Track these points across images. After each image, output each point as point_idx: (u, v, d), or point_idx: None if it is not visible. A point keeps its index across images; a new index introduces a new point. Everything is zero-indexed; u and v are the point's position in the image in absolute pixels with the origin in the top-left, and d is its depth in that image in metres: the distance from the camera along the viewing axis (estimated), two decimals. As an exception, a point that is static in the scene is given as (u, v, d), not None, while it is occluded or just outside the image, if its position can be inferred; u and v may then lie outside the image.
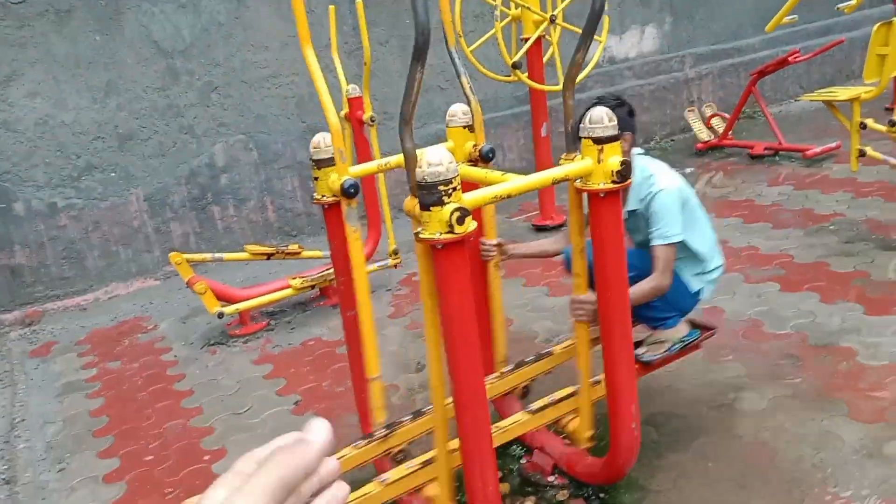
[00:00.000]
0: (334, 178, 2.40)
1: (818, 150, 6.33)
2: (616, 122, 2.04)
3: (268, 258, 4.78)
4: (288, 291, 4.61)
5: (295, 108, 6.02)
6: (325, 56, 6.06)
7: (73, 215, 5.35)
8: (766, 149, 6.70)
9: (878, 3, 9.48)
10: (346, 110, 4.59)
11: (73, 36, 5.21)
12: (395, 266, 4.85)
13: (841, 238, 4.59)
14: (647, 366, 2.81)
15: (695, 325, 2.97)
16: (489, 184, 2.10)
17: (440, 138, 6.82)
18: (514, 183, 1.96)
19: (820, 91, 4.71)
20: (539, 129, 5.44)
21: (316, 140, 2.42)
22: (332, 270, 4.69)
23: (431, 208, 1.80)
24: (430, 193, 1.79)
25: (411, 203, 1.99)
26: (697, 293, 2.88)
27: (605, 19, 5.16)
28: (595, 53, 5.38)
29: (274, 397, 3.71)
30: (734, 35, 8.50)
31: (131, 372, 4.25)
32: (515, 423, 2.51)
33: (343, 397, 3.55)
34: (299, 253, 4.83)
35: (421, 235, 1.83)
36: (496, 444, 2.28)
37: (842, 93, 4.52)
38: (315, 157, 2.43)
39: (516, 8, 5.21)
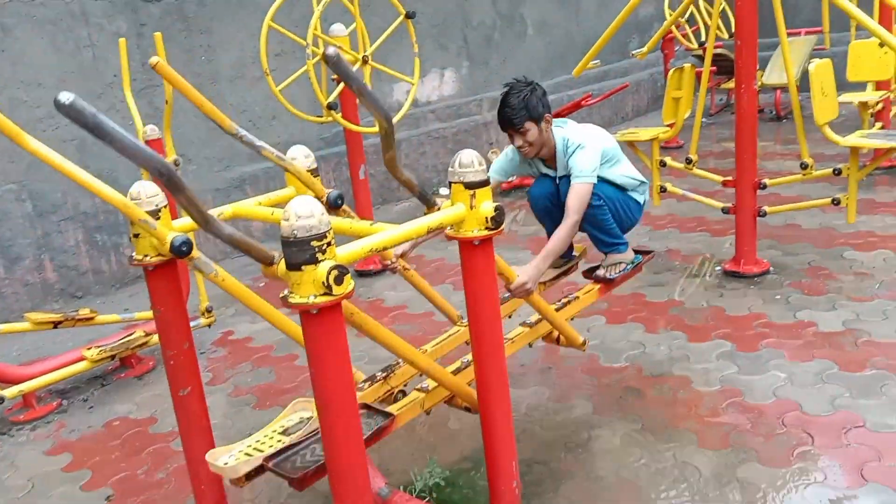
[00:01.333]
0: (161, 233, 2.03)
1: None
2: (485, 167, 1.91)
3: (55, 327, 4.10)
4: (82, 365, 3.97)
5: (76, 153, 5.33)
6: (109, 95, 5.48)
7: None
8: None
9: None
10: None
11: None
12: (209, 325, 4.39)
13: (649, 269, 4.83)
14: (610, 282, 3.36)
15: (637, 251, 3.54)
16: (355, 234, 1.87)
17: (244, 181, 6.41)
18: (388, 234, 1.75)
19: (622, 132, 4.99)
20: (357, 172, 5.26)
21: (134, 191, 2.05)
22: (134, 336, 4.15)
23: (303, 268, 1.53)
24: (300, 251, 1.53)
25: (269, 269, 1.70)
26: (644, 204, 3.47)
27: (416, 61, 5.12)
28: (407, 97, 5.32)
29: (79, 494, 3.12)
30: (525, 79, 8.92)
31: None
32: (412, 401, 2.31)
33: (165, 485, 3.07)
34: (93, 318, 4.20)
35: (291, 300, 1.56)
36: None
37: (643, 133, 4.81)
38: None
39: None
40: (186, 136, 5.88)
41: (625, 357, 3.71)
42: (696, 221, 5.69)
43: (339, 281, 1.53)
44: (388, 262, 2.91)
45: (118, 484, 3.16)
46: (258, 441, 2.13)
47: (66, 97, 1.40)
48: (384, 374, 2.64)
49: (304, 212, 1.52)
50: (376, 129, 4.84)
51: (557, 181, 3.31)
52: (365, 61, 4.83)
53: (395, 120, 5.06)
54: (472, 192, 1.86)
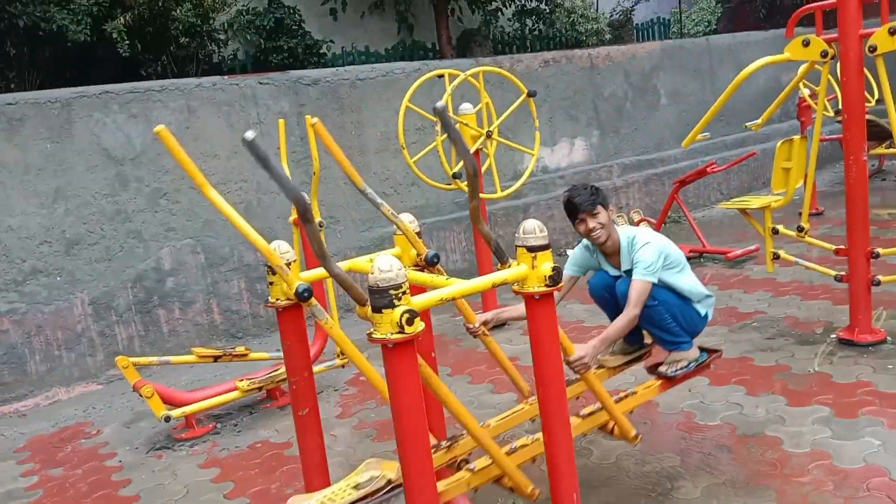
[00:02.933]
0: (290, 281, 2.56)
1: (738, 252, 6.78)
2: (546, 234, 2.28)
3: (214, 361, 4.83)
4: (235, 394, 4.63)
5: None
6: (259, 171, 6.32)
7: (15, 319, 5.31)
8: (691, 251, 7.13)
9: (786, 119, 10.35)
10: (294, 216, 4.79)
11: (24, 144, 5.34)
12: (343, 366, 4.95)
13: (763, 334, 4.90)
14: (671, 380, 3.39)
15: (702, 349, 3.56)
16: (434, 286, 2.29)
17: (384, 240, 7.05)
18: (458, 287, 2.16)
19: (735, 199, 5.14)
20: (480, 234, 5.72)
21: (273, 245, 2.59)
22: (279, 372, 4.77)
23: (383, 311, 1.97)
24: (381, 297, 1.96)
25: (364, 310, 2.16)
26: (705, 316, 3.50)
27: (537, 134, 5.56)
28: (528, 166, 5.76)
29: (223, 501, 3.70)
30: (656, 147, 9.14)
31: (74, 478, 4.17)
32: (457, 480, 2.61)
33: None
34: (246, 355, 4.89)
35: (373, 336, 1.99)
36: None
37: (754, 201, 4.95)
38: (269, 263, 2.59)
39: (455, 124, 5.58)
40: (337, 201, 6.63)
41: (720, 417, 3.84)
42: (821, 289, 5.64)
43: (410, 322, 1.95)
44: (471, 326, 3.11)
45: (255, 495, 3.71)
46: (333, 492, 2.45)
47: (250, 134, 1.94)
48: (448, 444, 2.78)
49: (385, 267, 1.96)
50: (497, 195, 5.32)
51: (617, 278, 3.42)
52: (489, 136, 5.34)
53: (514, 187, 5.53)
54: (533, 254, 2.24)
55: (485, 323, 3.19)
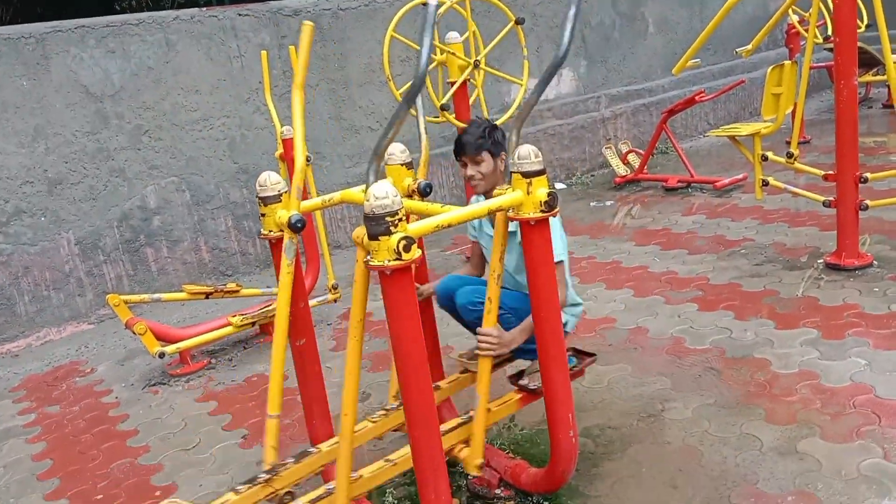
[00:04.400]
0: (281, 214, 2.53)
1: (727, 181, 6.79)
2: (541, 158, 2.25)
3: (206, 297, 4.82)
4: (228, 329, 4.65)
5: (227, 150, 6.10)
6: (255, 99, 6.21)
7: (1, 261, 5.26)
8: (679, 181, 7.14)
9: (774, 47, 10.24)
10: (280, 150, 4.72)
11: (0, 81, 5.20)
12: (335, 301, 4.96)
13: (751, 261, 4.95)
14: (534, 393, 2.83)
15: (576, 353, 3.05)
16: (429, 213, 2.27)
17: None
18: (454, 213, 2.14)
19: (724, 127, 5.10)
20: (468, 166, 5.67)
21: (262, 178, 2.55)
22: (271, 307, 4.77)
23: (380, 238, 1.95)
24: (378, 224, 1.95)
25: (359, 233, 2.15)
26: (565, 324, 2.82)
27: (525, 63, 5.47)
28: (517, 97, 5.69)
29: (221, 432, 3.75)
30: (644, 77, 9.03)
31: (72, 415, 4.20)
32: (403, 456, 2.57)
33: (290, 429, 3.63)
34: (238, 291, 4.89)
35: (371, 263, 1.99)
36: (381, 480, 2.54)
37: (744, 128, 4.92)
38: (261, 195, 2.56)
39: (442, 53, 5.47)
40: (321, 137, 6.53)
41: (710, 341, 3.90)
42: (808, 216, 5.68)
43: (407, 249, 1.94)
44: (423, 289, 2.92)
45: (252, 426, 3.76)
46: None
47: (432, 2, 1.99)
48: (267, 477, 2.53)
49: (381, 193, 1.94)
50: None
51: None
52: (477, 65, 5.24)
53: (503, 119, 5.46)
54: (529, 180, 2.22)
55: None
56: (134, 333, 4.38)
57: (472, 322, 2.88)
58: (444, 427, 2.61)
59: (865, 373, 3.35)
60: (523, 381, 2.91)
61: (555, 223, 2.77)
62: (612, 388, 3.57)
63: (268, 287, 5.17)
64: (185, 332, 4.60)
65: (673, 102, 8.52)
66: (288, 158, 4.74)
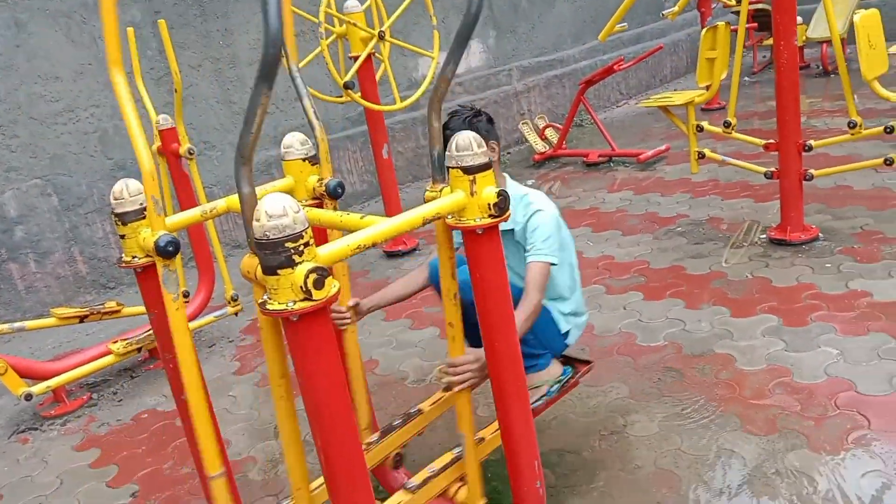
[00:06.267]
0: (146, 235, 1.91)
1: (650, 153, 6.47)
2: (485, 148, 1.73)
3: (81, 321, 4.08)
4: (109, 358, 3.95)
5: (98, 144, 5.29)
6: (129, 84, 5.40)
7: None
8: (600, 156, 6.78)
9: (688, 9, 10.02)
10: (157, 144, 4.03)
11: None
12: (236, 314, 4.32)
13: (690, 240, 4.61)
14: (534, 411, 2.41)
15: (567, 361, 2.77)
16: (344, 228, 1.72)
17: (270, 164, 6.27)
18: (378, 228, 1.59)
19: (655, 97, 4.73)
20: (380, 152, 5.10)
21: (117, 189, 1.92)
22: (160, 328, 4.10)
23: (279, 272, 1.39)
24: (274, 253, 1.38)
25: (250, 263, 1.57)
26: (566, 335, 2.70)
27: (435, 34, 4.93)
28: (427, 72, 5.14)
29: (105, 490, 3.08)
30: (555, 47, 8.63)
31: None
32: (397, 504, 2.13)
33: (190, 480, 3.01)
34: (119, 311, 4.17)
35: (269, 307, 1.42)
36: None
37: (677, 97, 4.55)
38: (118, 211, 1.92)
39: (341, 24, 4.85)
40: (209, 122, 5.80)
41: (663, 335, 3.51)
42: (740, 187, 5.41)
43: (319, 285, 1.39)
44: (339, 311, 2.31)
45: (144, 480, 3.11)
46: None
47: None
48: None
49: (276, 209, 1.37)
50: (397, 106, 4.70)
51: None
52: (381, 37, 4.66)
53: (415, 96, 4.91)
54: (471, 177, 1.69)
55: (355, 307, 2.42)
56: (-10, 374, 3.63)
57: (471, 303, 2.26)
58: (435, 465, 2.18)
59: (839, 364, 3.02)
60: None
61: (548, 221, 2.48)
62: (564, 402, 3.10)
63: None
64: (56, 366, 3.87)
65: (585, 73, 8.17)
66: (167, 152, 4.05)
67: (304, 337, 1.44)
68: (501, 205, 1.72)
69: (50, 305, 4.95)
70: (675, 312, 3.71)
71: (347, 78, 4.58)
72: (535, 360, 2.59)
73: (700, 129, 4.44)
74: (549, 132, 7.37)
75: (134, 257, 1.96)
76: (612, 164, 6.73)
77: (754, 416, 2.79)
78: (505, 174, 2.59)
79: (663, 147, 6.58)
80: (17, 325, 3.98)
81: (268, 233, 1.37)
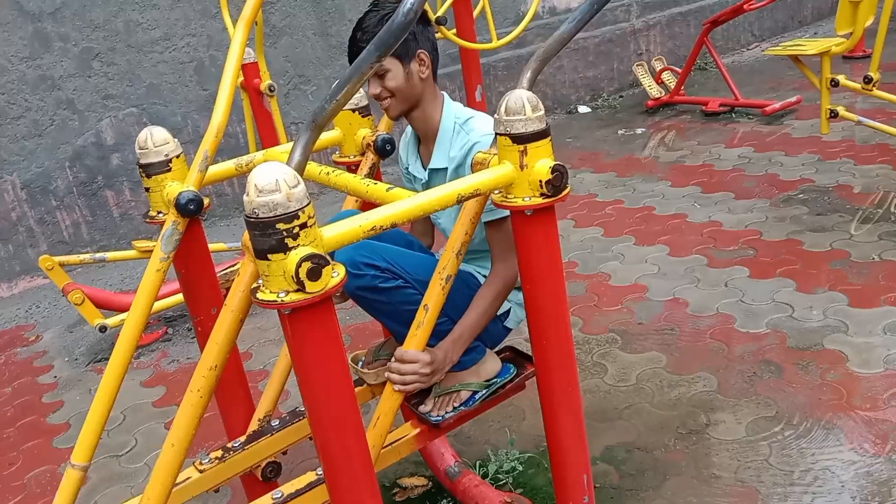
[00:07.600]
0: (171, 188, 1.75)
1: (778, 105, 5.82)
2: (542, 112, 1.42)
3: (160, 256, 4.08)
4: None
5: (194, 75, 5.24)
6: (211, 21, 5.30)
7: (-71, 212, 4.56)
8: (721, 105, 6.18)
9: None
10: (241, 78, 3.89)
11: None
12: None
13: (812, 209, 4.09)
14: (436, 428, 1.85)
15: (516, 356, 2.05)
16: (369, 199, 1.48)
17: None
18: (401, 206, 1.33)
19: (785, 44, 4.14)
20: (473, 93, 4.78)
21: (142, 137, 1.76)
22: (237, 267, 4.04)
23: (270, 256, 1.17)
24: (264, 235, 1.16)
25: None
26: (505, 315, 1.99)
27: (544, -36, 4.50)
28: (532, 4, 4.72)
29: (162, 433, 3.07)
30: (683, -21, 7.90)
31: (2, 399, 3.57)
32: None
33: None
34: (199, 247, 4.14)
35: (259, 296, 1.21)
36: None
37: (810, 46, 3.96)
38: (143, 161, 1.76)
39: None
40: (305, 55, 5.64)
41: (766, 321, 3.11)
42: (879, 150, 4.76)
43: (313, 275, 1.16)
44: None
45: (202, 423, 3.06)
46: None
47: None
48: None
49: (266, 184, 1.14)
50: (493, 44, 4.35)
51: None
52: (481, -33, 4.28)
53: (513, 34, 4.53)
54: (522, 147, 1.40)
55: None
56: (70, 302, 3.69)
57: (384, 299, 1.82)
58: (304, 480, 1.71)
59: (979, 376, 2.56)
60: (424, 408, 1.88)
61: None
62: (642, 389, 2.81)
63: (236, 241, 4.42)
64: (132, 298, 3.89)
65: (714, 11, 7.43)
66: (250, 88, 3.91)
67: (297, 333, 1.23)
68: (556, 182, 1.42)
69: (145, 234, 5.03)
70: (784, 295, 3.28)
71: (440, 13, 4.26)
72: (469, 354, 1.88)
73: (835, 83, 3.87)
74: (665, 76, 6.78)
75: (159, 213, 1.82)
76: (733, 115, 6.12)
77: (864, 431, 2.39)
78: (443, 93, 1.97)
79: (794, 99, 5.91)
80: (98, 255, 4.02)
81: (256, 210, 1.15)
